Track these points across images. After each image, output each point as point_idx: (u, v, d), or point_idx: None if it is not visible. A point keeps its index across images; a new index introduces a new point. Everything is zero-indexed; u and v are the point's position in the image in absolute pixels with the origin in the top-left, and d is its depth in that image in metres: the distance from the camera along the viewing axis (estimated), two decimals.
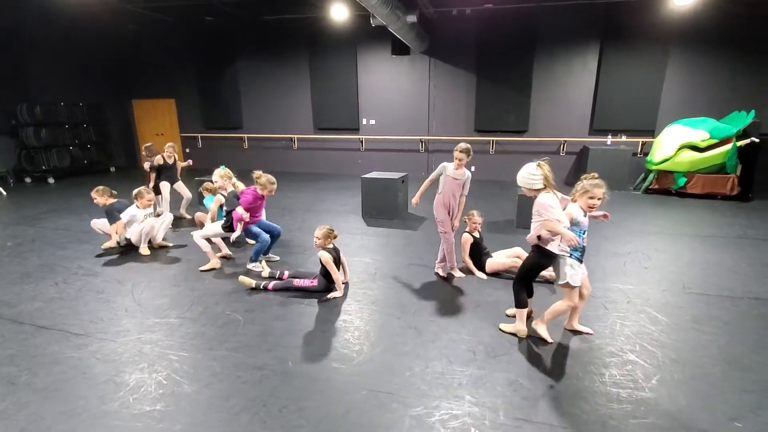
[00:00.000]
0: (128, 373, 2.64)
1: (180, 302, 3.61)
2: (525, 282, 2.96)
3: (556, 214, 2.60)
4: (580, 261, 2.78)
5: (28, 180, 9.46)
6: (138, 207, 4.84)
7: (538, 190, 2.73)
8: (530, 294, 3.05)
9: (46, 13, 9.18)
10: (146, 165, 6.02)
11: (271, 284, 3.82)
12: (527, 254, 3.85)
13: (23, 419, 2.26)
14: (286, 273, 4.03)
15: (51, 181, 9.47)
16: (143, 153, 6.22)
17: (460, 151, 3.81)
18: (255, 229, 4.32)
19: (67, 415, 2.29)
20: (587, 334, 3.00)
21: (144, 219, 4.84)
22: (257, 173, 4.26)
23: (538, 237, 2.76)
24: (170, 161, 6.06)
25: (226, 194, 4.39)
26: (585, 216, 2.75)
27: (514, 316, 3.05)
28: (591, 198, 2.67)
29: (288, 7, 9.13)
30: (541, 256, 2.83)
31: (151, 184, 5.92)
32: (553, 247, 2.74)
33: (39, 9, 8.99)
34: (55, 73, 10.00)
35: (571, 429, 2.15)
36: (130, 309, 3.50)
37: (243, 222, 4.16)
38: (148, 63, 11.22)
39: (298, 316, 3.37)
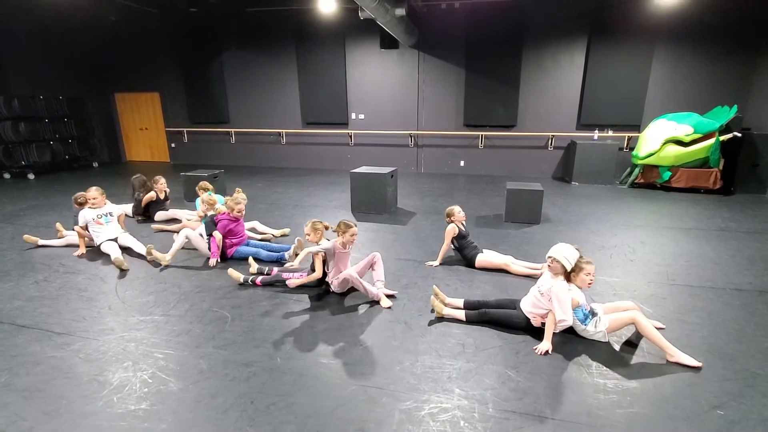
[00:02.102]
0: (112, 372, 2.59)
1: (165, 299, 3.54)
2: (488, 320, 3.10)
3: (567, 313, 2.77)
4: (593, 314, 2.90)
5: (6, 176, 9.20)
6: (90, 208, 4.52)
7: (562, 273, 2.83)
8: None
9: (22, 3, 8.89)
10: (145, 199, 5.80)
11: (260, 279, 3.79)
12: (516, 262, 4.01)
13: (3, 420, 2.20)
14: (275, 269, 3.99)
15: (31, 176, 9.23)
16: (142, 185, 5.94)
17: (352, 235, 3.53)
18: (244, 249, 4.46)
19: (50, 416, 2.24)
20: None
21: (102, 221, 4.53)
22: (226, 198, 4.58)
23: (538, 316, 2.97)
24: (162, 196, 5.92)
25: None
26: (582, 292, 2.91)
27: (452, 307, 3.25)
28: (587, 274, 2.83)
29: (274, 0, 8.99)
30: (531, 328, 2.99)
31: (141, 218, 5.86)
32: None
33: None
34: (34, 66, 9.71)
35: (559, 419, 2.17)
36: (114, 307, 3.43)
37: (219, 246, 4.31)
38: (130, 56, 10.96)
39: (286, 312, 3.34)
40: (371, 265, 3.66)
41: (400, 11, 7.08)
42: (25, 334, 3.03)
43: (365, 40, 9.49)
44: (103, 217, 4.56)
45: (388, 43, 9.26)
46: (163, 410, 2.26)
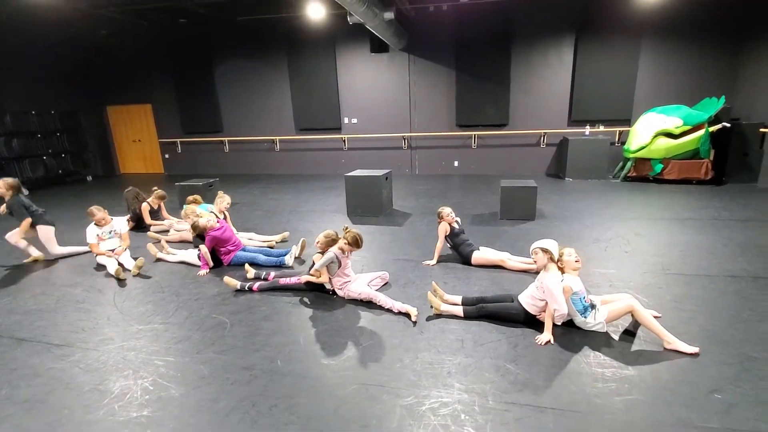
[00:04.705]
0: (113, 381, 2.59)
1: (164, 308, 3.55)
2: (486, 314, 3.14)
3: (559, 302, 2.80)
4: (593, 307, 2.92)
5: None
6: (96, 225, 4.54)
7: (548, 263, 2.92)
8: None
9: (12, 19, 8.90)
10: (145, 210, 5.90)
11: (257, 285, 3.79)
12: (512, 259, 4.06)
13: None
14: (272, 274, 4.00)
15: (24, 192, 9.17)
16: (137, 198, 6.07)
17: (351, 251, 3.64)
18: (241, 254, 4.48)
19: (52, 426, 2.23)
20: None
21: (104, 237, 4.58)
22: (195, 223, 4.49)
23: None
24: (155, 207, 6.00)
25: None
26: (579, 280, 2.93)
27: (451, 303, 3.30)
28: (569, 255, 2.93)
29: (264, 8, 9.04)
30: (529, 320, 3.04)
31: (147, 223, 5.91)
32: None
33: (5, 14, 8.70)
34: (25, 82, 9.69)
35: (558, 409, 2.19)
36: (113, 317, 3.42)
37: (208, 260, 4.35)
38: (122, 68, 10.97)
39: (285, 315, 3.35)
40: (381, 279, 3.83)
41: (389, 15, 7.15)
42: (24, 347, 3.02)
43: (355, 44, 9.55)
44: (106, 234, 4.61)
45: (379, 46, 9.33)
46: (164, 416, 2.27)
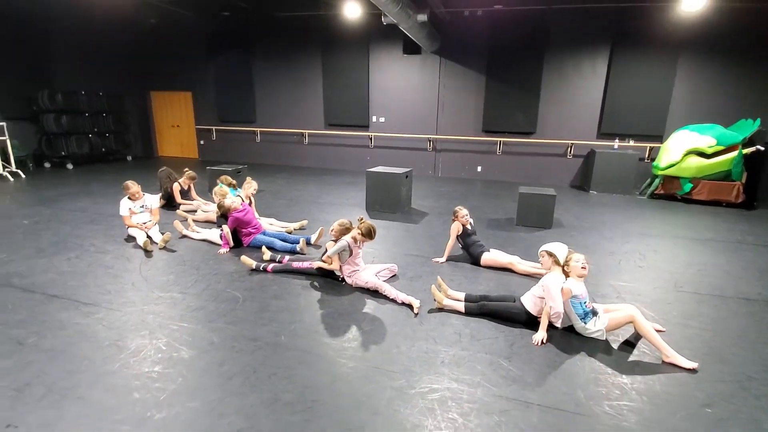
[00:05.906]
0: (130, 339, 2.80)
1: (184, 280, 3.77)
2: (487, 311, 3.20)
3: (555, 300, 2.88)
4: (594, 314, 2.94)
5: (47, 165, 9.80)
6: (129, 199, 4.81)
7: (554, 266, 3.00)
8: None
9: (71, 4, 9.51)
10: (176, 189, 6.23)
11: (271, 266, 3.98)
12: (522, 263, 4.09)
13: (28, 375, 2.42)
14: (286, 258, 4.17)
15: (70, 166, 9.79)
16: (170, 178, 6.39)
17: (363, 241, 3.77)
18: (261, 237, 4.70)
19: (71, 373, 2.45)
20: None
21: (136, 211, 4.85)
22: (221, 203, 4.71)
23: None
24: (186, 187, 6.34)
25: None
26: (582, 285, 2.94)
27: (453, 299, 3.37)
28: (577, 261, 2.94)
29: (302, 5, 9.32)
30: (530, 321, 3.08)
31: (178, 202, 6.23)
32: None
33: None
34: (78, 63, 10.34)
35: (545, 406, 2.24)
36: (137, 283, 3.67)
37: (229, 240, 4.59)
38: (167, 56, 11.52)
39: (295, 296, 3.51)
40: (390, 271, 3.94)
41: (422, 17, 7.25)
42: (55, 303, 3.29)
43: (389, 45, 9.70)
44: (138, 208, 4.91)
45: (411, 48, 9.44)
46: (173, 373, 2.45)
